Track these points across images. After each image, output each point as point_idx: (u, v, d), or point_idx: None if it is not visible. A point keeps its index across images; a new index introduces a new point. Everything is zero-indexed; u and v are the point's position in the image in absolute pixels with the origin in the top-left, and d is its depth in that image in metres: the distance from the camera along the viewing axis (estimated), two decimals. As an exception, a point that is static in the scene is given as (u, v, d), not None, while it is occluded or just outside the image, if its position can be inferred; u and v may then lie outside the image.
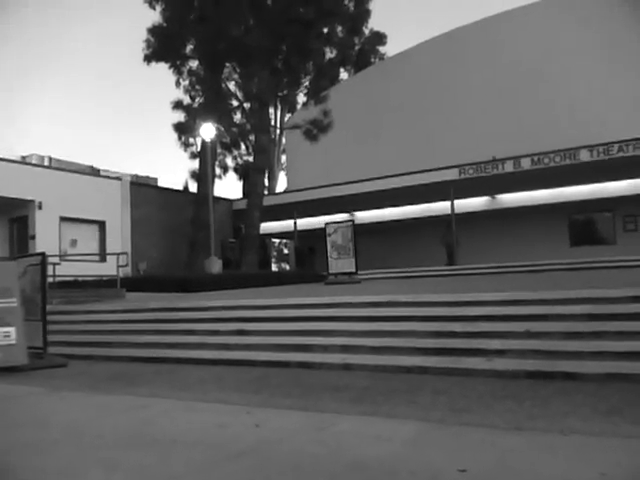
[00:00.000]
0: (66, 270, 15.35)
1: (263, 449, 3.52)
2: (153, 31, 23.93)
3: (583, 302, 6.65)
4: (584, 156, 18.19)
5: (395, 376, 5.81)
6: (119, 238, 21.20)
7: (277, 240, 33.52)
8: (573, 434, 3.53)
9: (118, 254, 14.82)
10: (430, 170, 20.62)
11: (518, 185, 20.46)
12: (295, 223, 24.66)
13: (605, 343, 5.68)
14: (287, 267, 24.07)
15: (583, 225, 22.22)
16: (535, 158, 18.97)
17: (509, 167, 19.41)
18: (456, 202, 20.85)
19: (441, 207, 21.81)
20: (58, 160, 23.66)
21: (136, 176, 25.93)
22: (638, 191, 19.38)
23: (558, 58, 23.16)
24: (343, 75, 35.90)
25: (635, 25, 21.16)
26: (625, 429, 3.60)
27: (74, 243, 20.13)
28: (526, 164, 19.08)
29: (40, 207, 19.08)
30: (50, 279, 12.16)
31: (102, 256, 19.84)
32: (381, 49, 36.34)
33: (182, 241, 22.95)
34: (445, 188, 20.34)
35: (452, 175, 20.31)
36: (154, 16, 26.13)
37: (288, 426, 4.09)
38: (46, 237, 18.72)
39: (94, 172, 24.03)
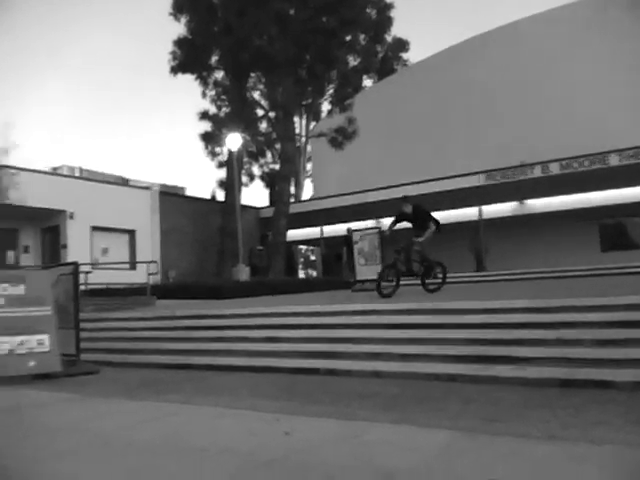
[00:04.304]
0: (98, 278, 15.64)
1: (293, 458, 3.53)
2: (179, 43, 24.27)
3: (613, 309, 6.53)
4: (613, 160, 17.87)
5: (424, 383, 5.78)
6: (149, 246, 21.50)
7: (303, 247, 33.60)
8: (605, 444, 3.47)
9: (148, 262, 15.04)
10: (457, 176, 20.49)
11: (547, 190, 20.18)
12: (322, 230, 24.70)
13: (636, 350, 5.57)
14: (314, 274, 24.08)
15: (614, 230, 21.79)
16: (564, 163, 18.70)
17: (537, 172, 19.17)
18: (484, 208, 20.65)
19: (469, 213, 21.62)
20: (88, 170, 24.08)
21: (164, 185, 26.22)
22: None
23: (581, 65, 22.84)
24: (367, 82, 35.95)
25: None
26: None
27: (105, 252, 20.48)
28: (555, 169, 18.83)
29: (72, 217, 19.47)
30: (82, 287, 12.37)
31: (132, 264, 20.13)
32: (404, 56, 36.33)
33: (210, 249, 23.17)
34: (472, 193, 20.16)
35: (479, 181, 20.14)
36: (179, 28, 26.47)
37: (318, 434, 4.09)
38: (78, 246, 19.09)
39: (123, 182, 24.41)
